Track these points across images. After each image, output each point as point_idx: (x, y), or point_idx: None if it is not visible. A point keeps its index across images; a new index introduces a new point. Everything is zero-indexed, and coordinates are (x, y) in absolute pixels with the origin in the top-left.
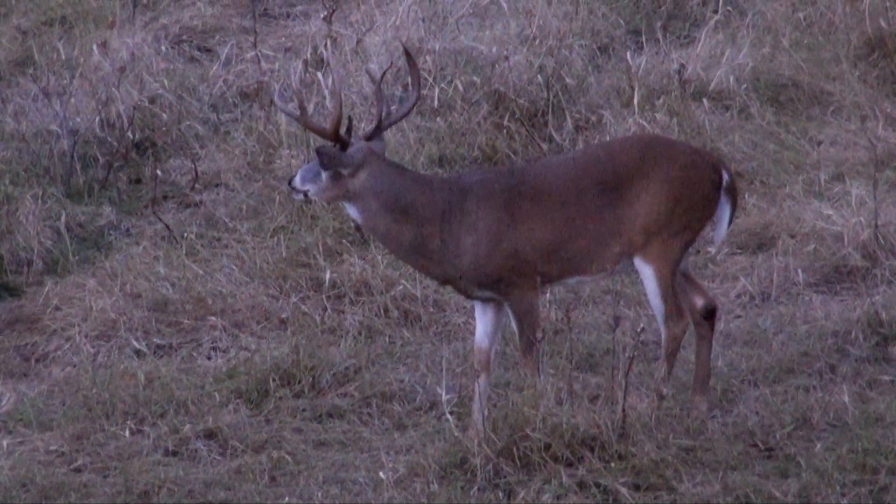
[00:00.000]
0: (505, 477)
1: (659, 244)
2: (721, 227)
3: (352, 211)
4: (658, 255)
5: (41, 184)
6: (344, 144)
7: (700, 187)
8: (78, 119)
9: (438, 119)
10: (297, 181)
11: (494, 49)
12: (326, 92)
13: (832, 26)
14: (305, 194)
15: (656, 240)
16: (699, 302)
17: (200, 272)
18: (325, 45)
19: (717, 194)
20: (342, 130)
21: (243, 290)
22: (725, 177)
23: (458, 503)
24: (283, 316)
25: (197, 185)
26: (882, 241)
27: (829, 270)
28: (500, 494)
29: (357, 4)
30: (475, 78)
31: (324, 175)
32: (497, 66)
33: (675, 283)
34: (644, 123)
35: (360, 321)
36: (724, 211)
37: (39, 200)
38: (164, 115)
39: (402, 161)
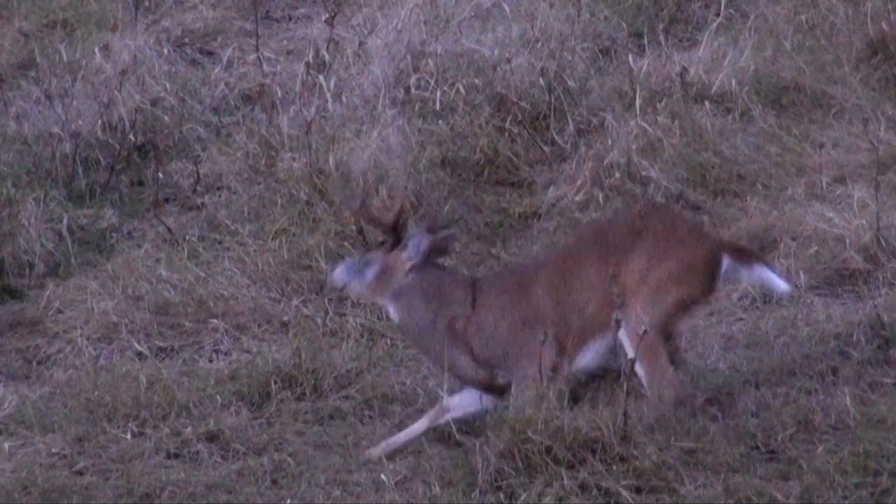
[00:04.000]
0: (506, 479)
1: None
2: (772, 285)
3: (391, 309)
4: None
5: (43, 186)
6: (399, 238)
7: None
8: (80, 122)
9: (440, 122)
10: (339, 274)
11: (496, 52)
12: (328, 95)
13: (834, 29)
14: (343, 288)
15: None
16: None
17: (202, 275)
18: (327, 47)
19: (713, 280)
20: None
21: (245, 293)
22: (725, 263)
23: None
24: (285, 318)
25: (199, 188)
26: (884, 244)
27: (831, 273)
28: (502, 497)
29: (359, 7)
30: (477, 81)
31: (371, 272)
32: (499, 68)
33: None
34: (646, 126)
35: (361, 324)
36: (760, 274)
37: (41, 203)
38: (166, 118)
39: (403, 163)
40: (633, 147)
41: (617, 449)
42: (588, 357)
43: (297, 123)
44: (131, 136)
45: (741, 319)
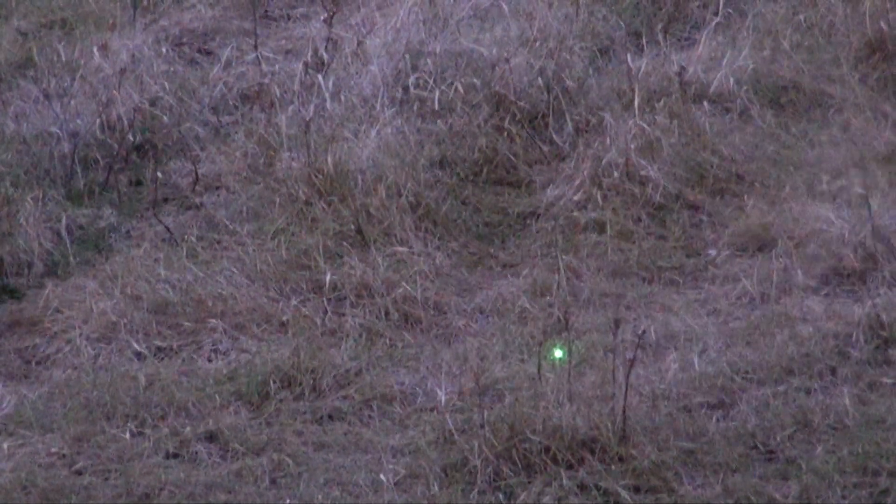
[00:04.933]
0: (505, 479)
1: None
2: None
3: None
4: None
5: (42, 186)
6: None
7: None
8: (78, 121)
9: (438, 121)
10: None
11: (495, 51)
12: (327, 94)
13: (832, 28)
14: None
15: None
16: None
17: (201, 274)
18: (326, 47)
19: None
20: None
21: (244, 293)
22: None
23: None
24: (284, 318)
25: (197, 188)
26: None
27: (830, 272)
28: (501, 496)
29: (357, 7)
30: (475, 80)
31: None
32: (497, 68)
33: None
34: (644, 125)
35: (360, 323)
36: None
37: (40, 203)
38: (165, 118)
39: (402, 163)
40: (632, 146)
41: (616, 449)
42: None
43: (296, 123)
44: (130, 136)
45: (739, 318)
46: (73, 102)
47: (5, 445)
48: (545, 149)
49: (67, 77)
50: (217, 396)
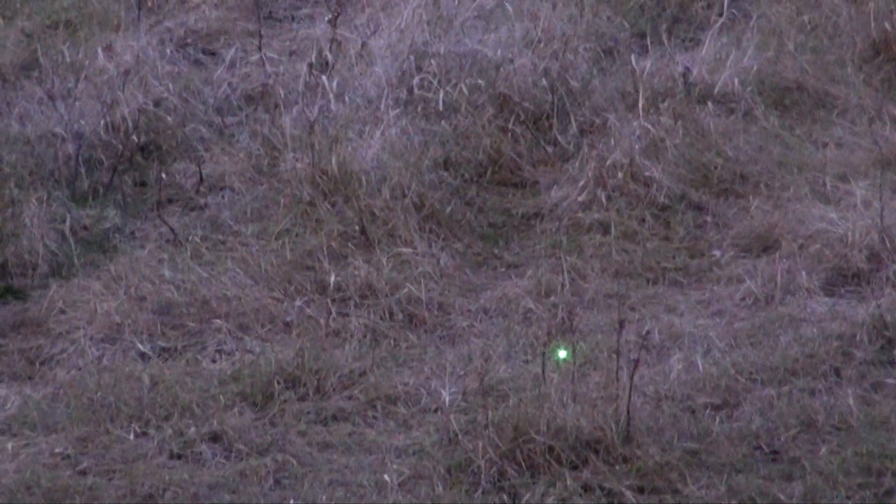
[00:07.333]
0: (509, 479)
1: None
2: None
3: None
4: None
5: (46, 187)
6: None
7: None
8: (83, 122)
9: (443, 122)
10: None
11: (499, 52)
12: (331, 95)
13: (837, 29)
14: None
15: None
16: None
17: (205, 275)
18: (330, 48)
19: None
20: None
21: (248, 293)
22: None
23: None
24: (288, 319)
25: (201, 189)
26: (887, 244)
27: (834, 273)
28: (505, 497)
29: (362, 7)
30: (480, 81)
31: None
32: (502, 69)
33: None
34: (649, 126)
35: (364, 324)
36: None
37: (44, 204)
38: (169, 119)
39: (406, 163)
40: (636, 147)
41: (620, 449)
42: None
43: (300, 124)
44: (134, 137)
45: (743, 319)
46: (77, 103)
47: (9, 446)
48: (549, 150)
49: (72, 78)
50: (221, 397)
